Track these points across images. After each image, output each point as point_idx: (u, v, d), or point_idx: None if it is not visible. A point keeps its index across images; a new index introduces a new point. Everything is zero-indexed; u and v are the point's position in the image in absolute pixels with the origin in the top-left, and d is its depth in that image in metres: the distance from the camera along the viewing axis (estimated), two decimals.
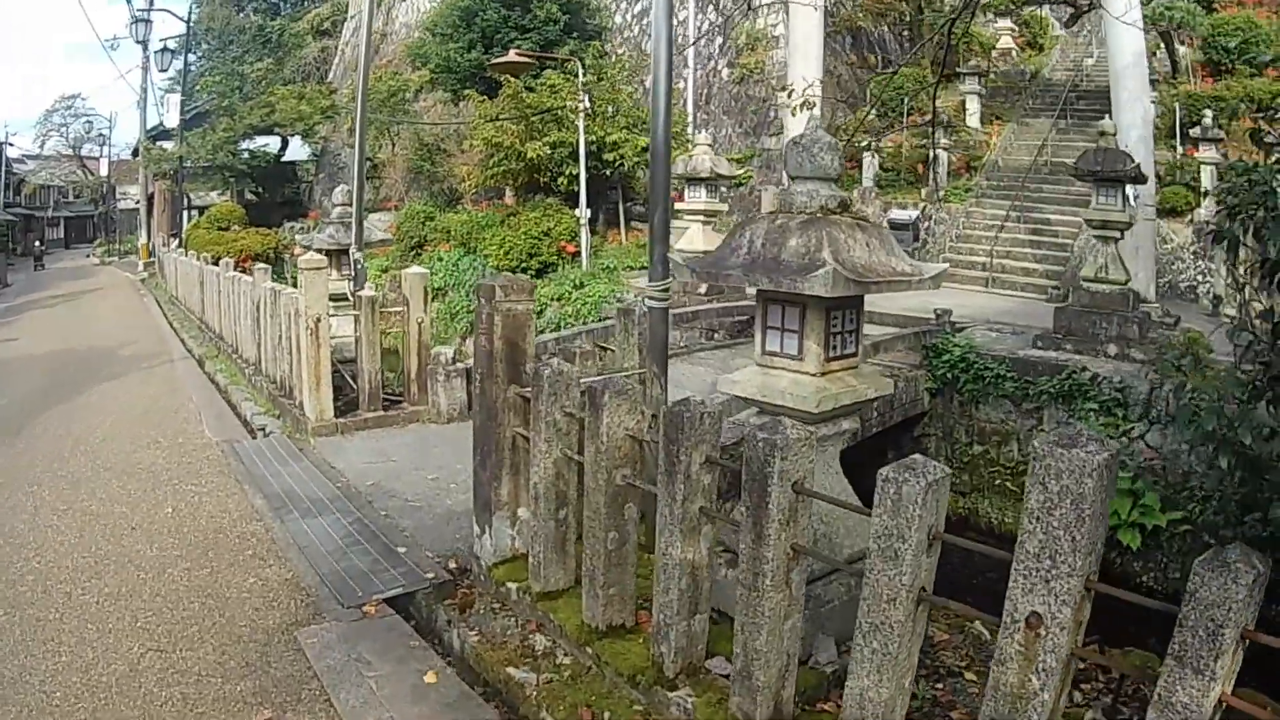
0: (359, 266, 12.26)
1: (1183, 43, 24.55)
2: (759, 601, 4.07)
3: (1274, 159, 6.71)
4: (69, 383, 15.11)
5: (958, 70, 25.39)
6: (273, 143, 39.72)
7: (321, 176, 40.11)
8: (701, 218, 17.20)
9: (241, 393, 13.80)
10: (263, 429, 11.73)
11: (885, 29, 30.29)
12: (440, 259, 23.23)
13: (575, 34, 25.95)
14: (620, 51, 30.09)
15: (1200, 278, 18.70)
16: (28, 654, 5.71)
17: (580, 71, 20.97)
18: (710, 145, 18.25)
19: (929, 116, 23.89)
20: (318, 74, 46.46)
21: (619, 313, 7.67)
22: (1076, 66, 28.96)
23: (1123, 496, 10.51)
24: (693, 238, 17.28)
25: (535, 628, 5.65)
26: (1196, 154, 19.44)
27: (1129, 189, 13.12)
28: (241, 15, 51.40)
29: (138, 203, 46.25)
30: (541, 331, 15.61)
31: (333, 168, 38.87)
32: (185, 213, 43.79)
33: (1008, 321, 15.11)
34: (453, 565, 6.79)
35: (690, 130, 24.68)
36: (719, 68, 28.90)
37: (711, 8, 29.41)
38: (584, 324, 16.82)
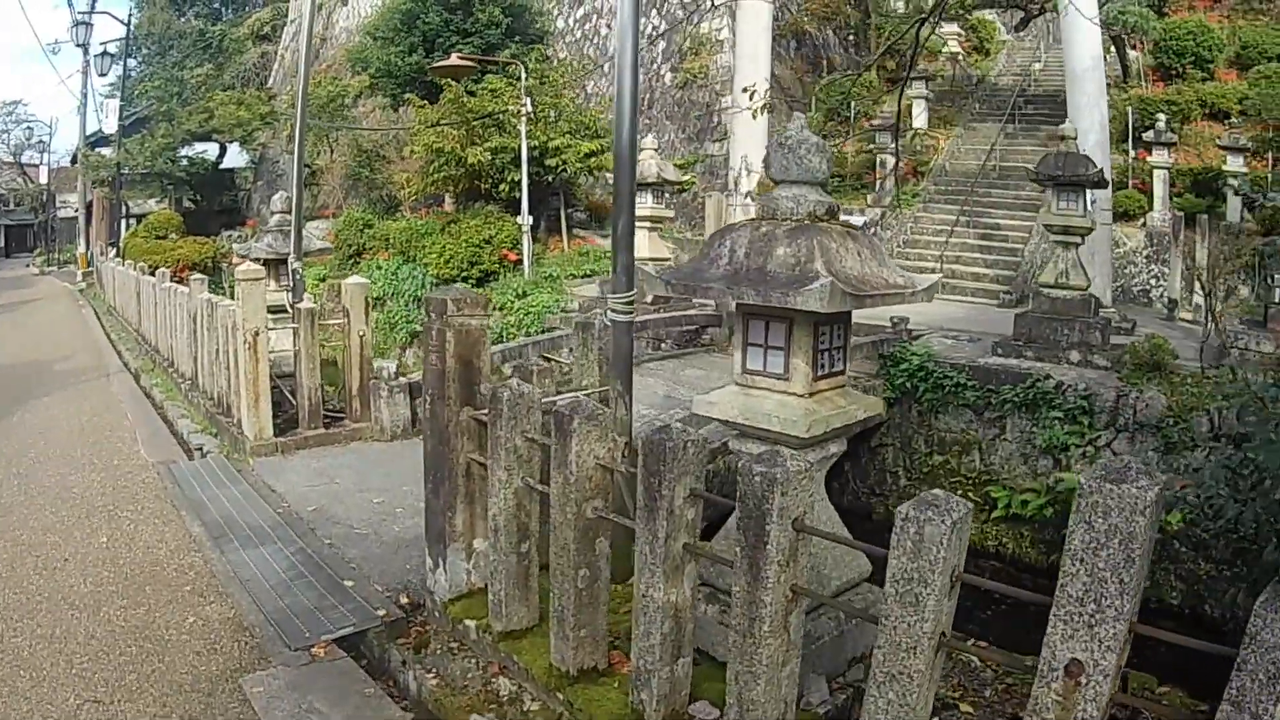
0: (298, 277, 11.72)
1: (1133, 47, 24.63)
2: (755, 649, 3.68)
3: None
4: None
5: (904, 75, 25.25)
6: (211, 149, 38.80)
7: (260, 184, 39.36)
8: (648, 224, 16.75)
9: (178, 409, 13.19)
10: (200, 449, 11.16)
11: (830, 33, 30.12)
12: (379, 267, 22.64)
13: (517, 38, 25.47)
14: (562, 56, 29.69)
15: (1153, 282, 18.65)
16: None
17: (523, 75, 20.51)
18: (656, 150, 17.87)
19: (876, 121, 23.78)
20: (257, 79, 45.60)
21: (577, 326, 7.24)
22: (1024, 71, 29.02)
23: None
24: (639, 245, 16.82)
25: (498, 670, 5.20)
26: (1149, 158, 19.42)
27: (1089, 194, 12.92)
28: (182, 20, 50.52)
29: (77, 211, 45.06)
30: None
31: (271, 175, 38.18)
32: (124, 221, 42.80)
33: (962, 328, 14.87)
34: (405, 600, 6.30)
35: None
36: (662, 72, 28.58)
37: (655, 11, 29.08)
38: (528, 334, 16.42)
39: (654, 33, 28.71)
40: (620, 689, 4.59)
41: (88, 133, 43.11)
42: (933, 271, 19.52)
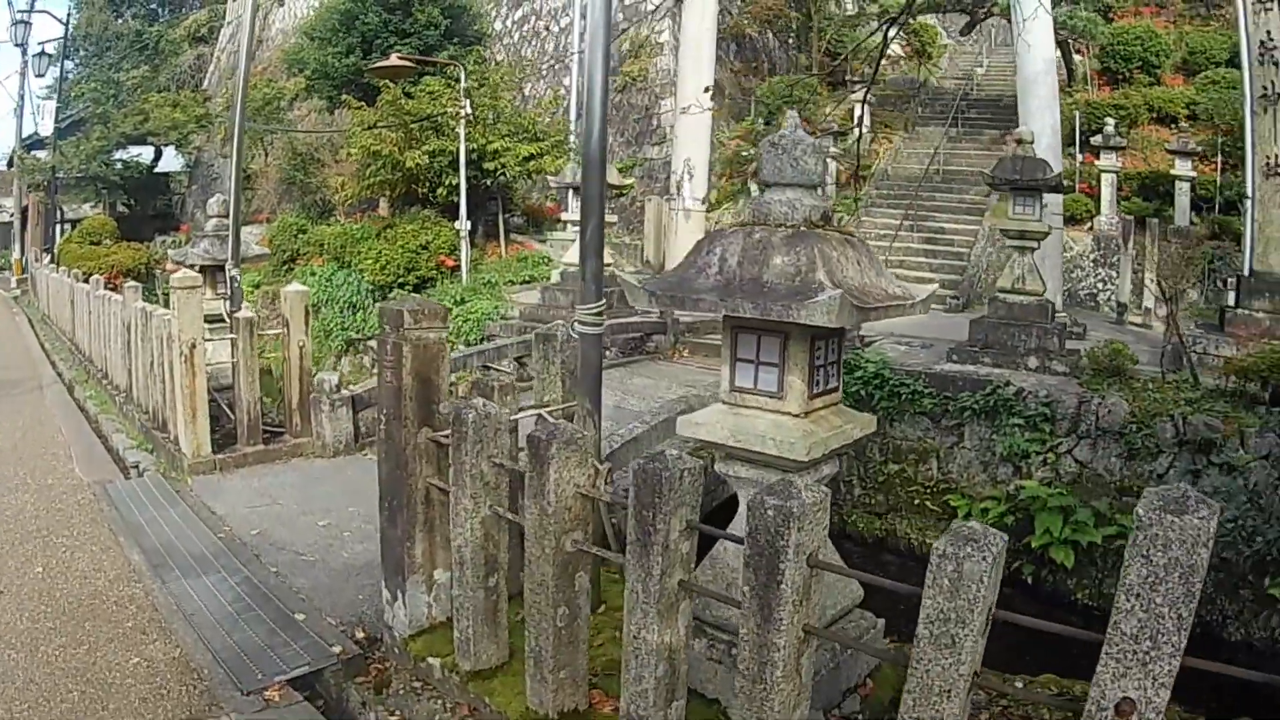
0: (235, 284, 11.19)
1: (1078, 51, 24.78)
2: (766, 696, 3.35)
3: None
4: None
5: (846, 79, 25.17)
6: (146, 153, 38.13)
7: (194, 188, 38.66)
8: None
9: (113, 423, 12.61)
10: (136, 466, 10.61)
11: (771, 36, 29.99)
12: (313, 273, 22.12)
13: (456, 39, 25.08)
14: (500, 58, 29.28)
15: (1100, 286, 18.69)
16: None
17: (462, 77, 20.07)
18: None
19: (819, 125, 23.63)
20: (193, 81, 44.84)
21: (537, 338, 6.84)
22: (966, 75, 29.13)
23: (1054, 513, 10.15)
24: (578, 251, 16.49)
25: (468, 712, 4.81)
26: (1097, 162, 19.50)
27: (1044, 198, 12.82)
28: (120, 21, 49.58)
29: (12, 216, 43.86)
30: None
31: (205, 179, 37.49)
32: (59, 226, 41.79)
33: (914, 334, 14.69)
34: (360, 635, 5.87)
35: (572, 139, 24.01)
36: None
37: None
38: (468, 343, 16.06)
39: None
40: None
41: (24, 135, 42.48)
42: None
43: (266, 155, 30.57)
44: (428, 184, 21.74)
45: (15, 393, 15.69)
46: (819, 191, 4.31)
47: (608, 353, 14.30)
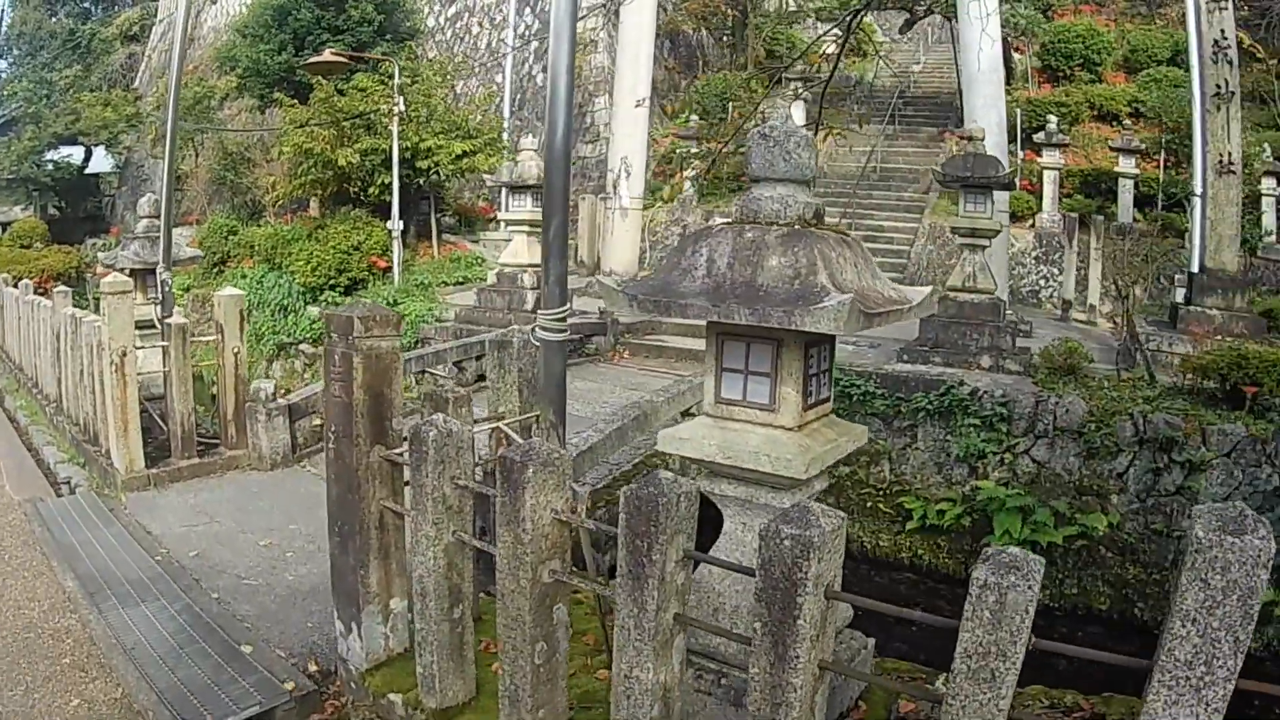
0: (167, 289, 10.66)
1: (1017, 49, 24.89)
2: None
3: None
4: None
5: (783, 76, 25.00)
6: (76, 153, 37.32)
7: (124, 190, 37.76)
8: (526, 228, 15.95)
9: (44, 435, 12.07)
10: (68, 482, 10.11)
11: (706, 33, 29.80)
12: (244, 276, 21.56)
13: (389, 36, 24.63)
14: (432, 55, 28.81)
15: (1042, 283, 18.74)
16: None
17: (396, 73, 19.59)
18: (536, 151, 17.10)
19: (754, 124, 23.41)
20: (124, 81, 43.78)
21: (493, 345, 6.49)
22: (904, 73, 29.14)
23: (1013, 514, 10.02)
24: (517, 250, 16.16)
25: None
26: (1039, 159, 19.55)
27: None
28: (54, 20, 48.19)
29: None
30: None
31: (136, 180, 36.63)
32: None
33: (859, 333, 14.52)
34: (313, 668, 5.48)
35: (506, 137, 23.60)
36: (534, 72, 27.87)
37: (529, 10, 28.35)
38: (403, 347, 15.66)
39: (527, 32, 27.98)
40: None
41: None
42: None
43: (197, 155, 29.89)
44: (359, 183, 21.29)
45: None
46: (811, 187, 4.02)
47: None
